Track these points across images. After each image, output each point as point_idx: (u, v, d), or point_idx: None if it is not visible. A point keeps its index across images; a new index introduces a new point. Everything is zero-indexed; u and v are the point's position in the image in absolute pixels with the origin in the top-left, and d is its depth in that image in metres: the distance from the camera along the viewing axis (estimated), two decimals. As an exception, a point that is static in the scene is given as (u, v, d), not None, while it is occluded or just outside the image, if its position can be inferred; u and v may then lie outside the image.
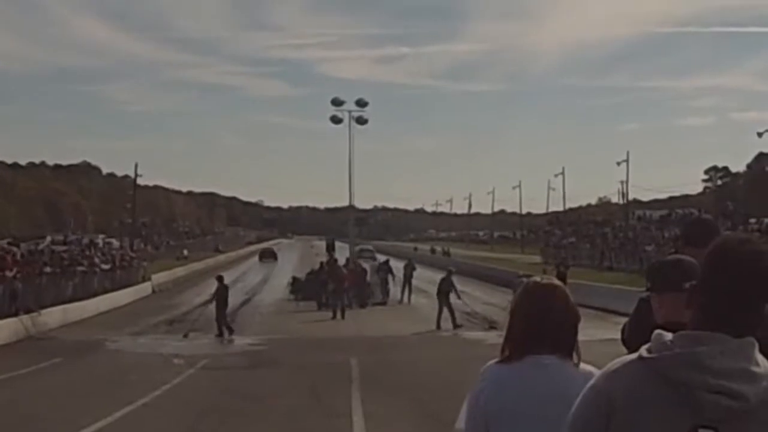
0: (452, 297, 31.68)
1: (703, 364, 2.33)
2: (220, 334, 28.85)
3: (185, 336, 28.63)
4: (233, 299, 39.78)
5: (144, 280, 51.61)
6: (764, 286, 2.43)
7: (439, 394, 15.96)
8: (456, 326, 30.44)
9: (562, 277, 39.80)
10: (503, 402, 3.36)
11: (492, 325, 29.81)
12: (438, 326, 30.65)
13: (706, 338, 2.38)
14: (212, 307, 29.93)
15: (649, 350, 2.44)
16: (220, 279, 30.95)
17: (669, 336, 2.44)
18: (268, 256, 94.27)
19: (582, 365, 3.42)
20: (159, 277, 54.52)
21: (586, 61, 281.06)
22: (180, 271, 61.23)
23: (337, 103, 47.95)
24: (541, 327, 3.42)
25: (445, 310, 31.13)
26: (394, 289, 43.38)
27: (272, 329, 31.07)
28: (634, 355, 2.48)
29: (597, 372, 3.23)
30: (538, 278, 3.68)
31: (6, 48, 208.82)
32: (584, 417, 2.50)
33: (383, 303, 41.39)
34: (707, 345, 2.36)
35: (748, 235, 2.58)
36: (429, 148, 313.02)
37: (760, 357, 2.39)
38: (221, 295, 29.81)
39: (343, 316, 34.89)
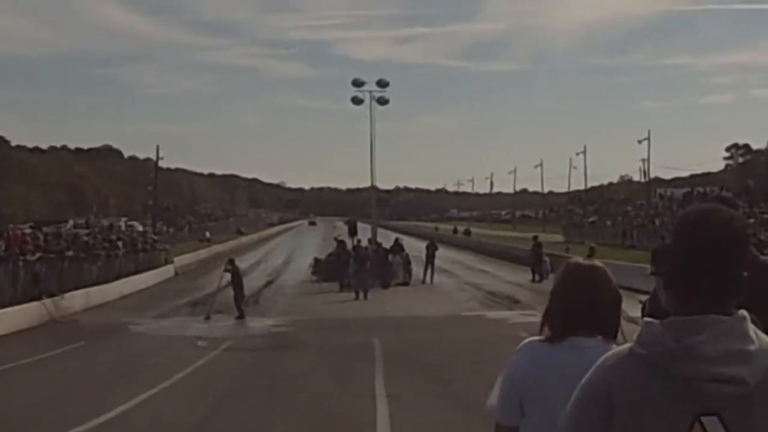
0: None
1: (698, 352, 2.25)
2: (241, 317, 28.84)
3: (207, 318, 28.69)
4: (256, 282, 40.03)
5: (166, 262, 51.66)
6: (735, 252, 2.34)
7: (462, 374, 15.91)
8: None
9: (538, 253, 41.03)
10: (539, 381, 3.33)
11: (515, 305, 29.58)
12: None
13: (695, 324, 2.29)
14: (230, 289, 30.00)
15: (640, 342, 2.35)
16: (231, 262, 30.96)
17: (657, 325, 2.34)
18: (312, 224, 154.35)
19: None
20: (181, 260, 54.54)
21: (606, 39, 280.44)
22: (202, 254, 61.31)
23: (358, 83, 47.81)
24: (582, 309, 3.37)
25: None
26: (416, 269, 43.30)
27: (295, 310, 31.03)
28: (626, 348, 2.39)
29: None
30: (579, 259, 3.64)
31: (26, 33, 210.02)
32: (583, 413, 2.40)
33: (406, 283, 41.31)
34: (698, 332, 2.27)
35: (715, 204, 2.47)
36: (450, 128, 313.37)
37: (752, 331, 2.30)
38: (237, 276, 29.80)
39: (366, 297, 34.91)
